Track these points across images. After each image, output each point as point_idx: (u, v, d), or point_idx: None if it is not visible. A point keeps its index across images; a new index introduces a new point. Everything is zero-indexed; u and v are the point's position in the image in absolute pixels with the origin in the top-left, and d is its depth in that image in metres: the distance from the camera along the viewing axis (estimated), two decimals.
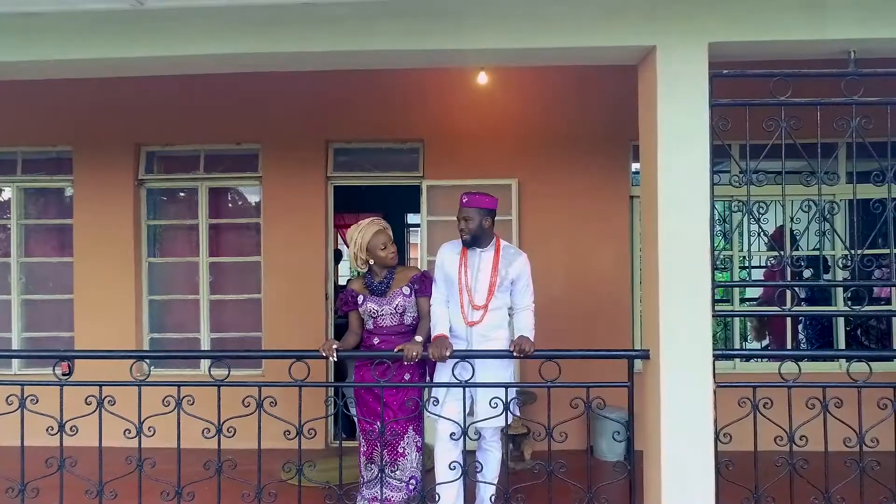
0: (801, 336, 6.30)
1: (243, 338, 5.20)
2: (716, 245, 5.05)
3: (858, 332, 6.15)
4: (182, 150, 5.29)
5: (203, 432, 3.15)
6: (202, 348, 5.15)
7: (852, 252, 3.15)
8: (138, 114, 5.11)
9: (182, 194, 5.40)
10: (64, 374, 3.87)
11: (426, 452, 3.97)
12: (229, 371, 3.23)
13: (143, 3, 3.07)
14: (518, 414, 3.34)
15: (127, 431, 3.19)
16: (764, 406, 3.05)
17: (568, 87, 4.98)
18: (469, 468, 3.19)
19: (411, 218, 10.29)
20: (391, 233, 3.48)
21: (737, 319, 5.12)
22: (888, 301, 5.39)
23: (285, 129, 5.09)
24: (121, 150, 5.15)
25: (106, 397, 3.24)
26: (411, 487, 3.32)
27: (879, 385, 3.08)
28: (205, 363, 4.87)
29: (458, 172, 4.95)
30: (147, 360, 5.09)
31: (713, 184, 3.03)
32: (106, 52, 3.16)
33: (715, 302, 3.03)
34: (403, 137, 5.14)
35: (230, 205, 5.46)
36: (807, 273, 6.18)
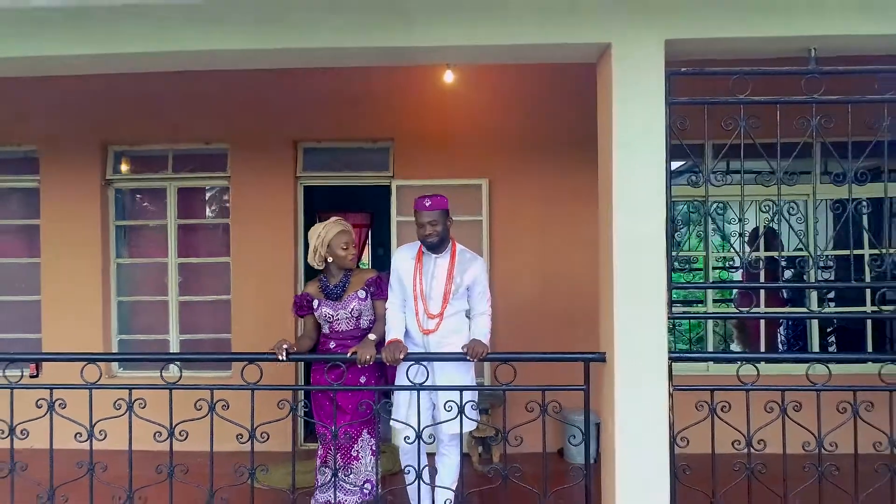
0: (781, 337, 6.25)
1: (213, 339, 5.15)
2: (691, 246, 5.02)
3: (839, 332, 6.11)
4: (150, 149, 5.23)
5: (155, 436, 3.11)
6: (171, 350, 5.10)
7: (816, 252, 3.13)
8: (105, 113, 5.05)
9: (150, 194, 5.34)
10: (32, 376, 3.84)
11: (392, 456, 3.93)
12: (181, 374, 3.20)
13: None
14: (475, 418, 3.29)
15: (78, 435, 3.15)
16: (722, 409, 3.02)
17: (541, 87, 4.92)
18: (423, 472, 3.13)
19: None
20: (354, 237, 3.43)
21: (710, 321, 5.08)
22: None
23: (254, 128, 5.03)
24: (87, 149, 5.09)
25: (57, 400, 3.20)
26: (366, 491, 3.28)
27: (838, 388, 3.04)
28: (174, 365, 4.84)
29: (428, 172, 4.91)
30: (118, 363, 5.12)
31: (671, 184, 3.00)
32: (44, 51, 3.09)
33: (672, 304, 2.99)
34: (373, 137, 5.10)
35: (199, 205, 5.40)
36: (787, 273, 6.15)
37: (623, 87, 2.98)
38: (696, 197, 3.15)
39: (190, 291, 5.22)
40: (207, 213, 5.39)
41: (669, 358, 2.98)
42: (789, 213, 3.12)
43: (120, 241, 5.26)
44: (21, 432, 3.20)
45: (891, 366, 3.15)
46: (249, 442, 3.12)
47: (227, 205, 5.18)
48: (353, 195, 7.37)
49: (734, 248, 3.22)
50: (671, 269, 2.99)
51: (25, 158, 5.24)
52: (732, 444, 2.98)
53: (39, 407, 3.18)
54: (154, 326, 5.20)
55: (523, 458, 3.23)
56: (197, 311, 5.24)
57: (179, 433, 3.13)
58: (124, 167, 5.25)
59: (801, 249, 5.43)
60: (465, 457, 3.73)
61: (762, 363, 3.27)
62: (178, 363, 4.57)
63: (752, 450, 3.01)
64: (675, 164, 5.35)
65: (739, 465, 3.02)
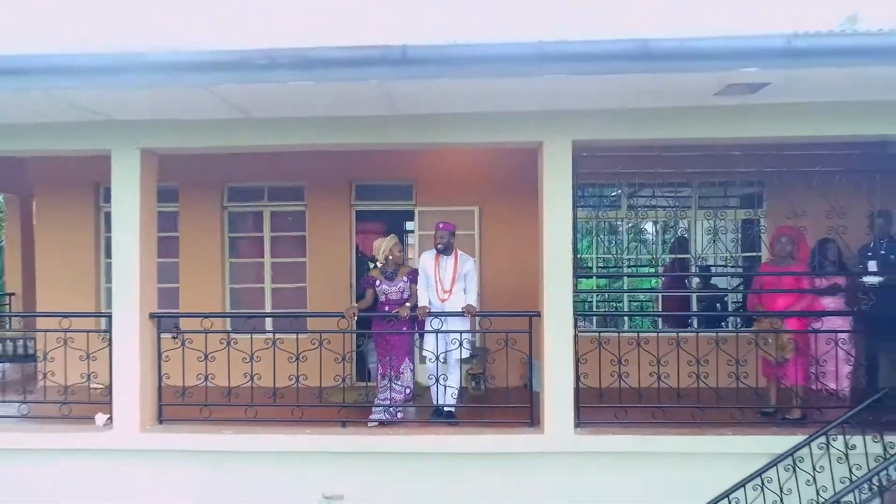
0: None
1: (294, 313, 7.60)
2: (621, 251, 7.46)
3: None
4: (252, 185, 7.69)
5: (288, 359, 5.56)
6: (267, 321, 7.56)
7: (658, 257, 5.60)
8: (223, 162, 7.45)
9: (252, 215, 7.81)
10: (174, 337, 6.21)
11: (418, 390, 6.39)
12: (303, 327, 5.66)
13: (250, 114, 5.49)
14: (469, 349, 5.76)
15: (244, 359, 5.59)
16: (605, 344, 5.48)
17: (513, 151, 7.16)
18: (440, 378, 5.61)
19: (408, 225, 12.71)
20: (401, 245, 5.89)
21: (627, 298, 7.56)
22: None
23: (323, 171, 7.47)
24: (211, 186, 7.56)
25: (232, 340, 5.66)
26: (408, 392, 5.76)
27: (668, 331, 5.53)
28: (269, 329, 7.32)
29: (438, 202, 7.38)
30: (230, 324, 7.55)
31: (576, 218, 5.46)
32: (227, 143, 5.58)
33: (577, 287, 5.46)
34: (402, 177, 7.57)
35: (285, 222, 7.86)
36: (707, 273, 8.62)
37: (549, 164, 5.42)
38: (590, 218, 5.64)
39: (279, 281, 7.70)
40: (290, 228, 7.82)
41: (574, 315, 5.44)
42: (634, 232, 5.59)
43: (232, 247, 7.73)
44: (210, 357, 5.65)
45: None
46: (343, 363, 5.58)
47: (304, 222, 7.64)
48: (374, 215, 9.82)
49: (611, 252, 5.71)
50: (576, 266, 5.46)
51: (169, 190, 7.66)
52: (610, 361, 5.44)
53: (222, 343, 5.64)
54: (254, 305, 7.67)
55: (500, 390, 5.70)
56: (283, 294, 7.71)
57: (302, 357, 5.58)
58: (235, 197, 7.71)
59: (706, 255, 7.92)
60: (463, 388, 6.23)
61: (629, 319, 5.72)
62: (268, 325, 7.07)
63: (620, 366, 5.46)
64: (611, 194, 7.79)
65: (614, 374, 5.48)
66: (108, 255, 7.70)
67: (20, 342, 8.76)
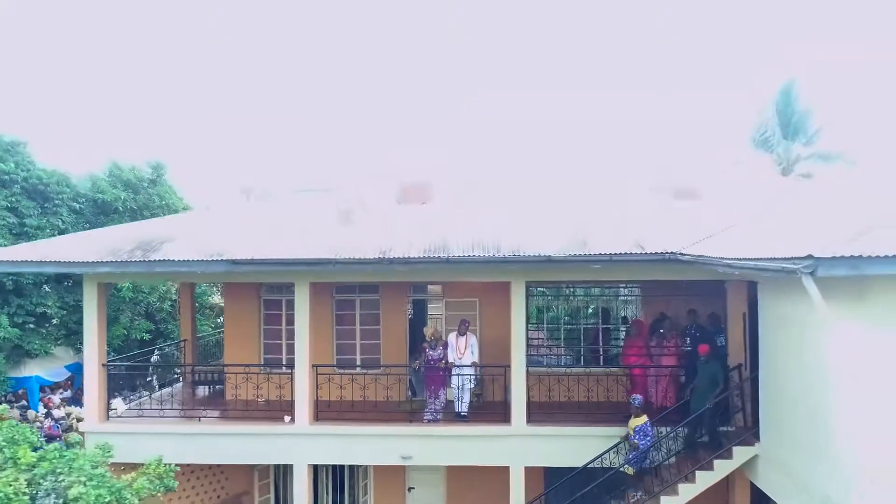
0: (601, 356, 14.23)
1: (375, 358, 13.09)
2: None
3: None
4: (349, 284, 13.22)
5: (382, 390, 11.08)
6: (357, 364, 13.03)
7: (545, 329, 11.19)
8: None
9: (348, 302, 13.36)
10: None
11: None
12: (387, 369, 11.20)
13: (390, 262, 11.05)
14: (475, 380, 11.30)
15: (357, 387, 11.10)
16: (541, 381, 11.00)
17: None
18: (461, 396, 11.15)
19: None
20: (438, 330, 11.45)
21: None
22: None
23: (390, 279, 12.99)
24: (326, 286, 13.10)
25: (352, 378, 11.17)
26: (443, 405, 11.28)
27: (578, 374, 11.09)
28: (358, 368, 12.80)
29: (455, 295, 12.94)
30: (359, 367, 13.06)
31: (528, 311, 10.99)
32: (347, 279, 11.16)
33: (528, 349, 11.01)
34: (437, 282, 13.12)
35: (368, 305, 13.39)
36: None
37: (514, 292, 10.97)
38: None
39: (364, 339, 13.21)
40: (371, 309, 13.35)
41: (526, 364, 10.95)
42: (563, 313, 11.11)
43: (337, 320, 13.26)
44: (343, 388, 11.15)
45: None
46: (408, 386, 11.09)
47: (379, 306, 13.18)
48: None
49: (544, 328, 11.19)
50: (527, 340, 10.98)
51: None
52: (545, 391, 10.96)
53: (349, 379, 11.15)
54: (350, 354, 13.18)
55: (488, 403, 11.27)
56: (367, 347, 13.22)
57: (389, 388, 11.10)
58: (339, 291, 13.28)
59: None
60: (471, 402, 11.76)
61: (569, 366, 11.31)
62: (360, 367, 12.60)
63: (550, 391, 10.96)
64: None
65: (548, 395, 10.98)
66: (265, 323, 13.39)
67: (198, 374, 14.34)
